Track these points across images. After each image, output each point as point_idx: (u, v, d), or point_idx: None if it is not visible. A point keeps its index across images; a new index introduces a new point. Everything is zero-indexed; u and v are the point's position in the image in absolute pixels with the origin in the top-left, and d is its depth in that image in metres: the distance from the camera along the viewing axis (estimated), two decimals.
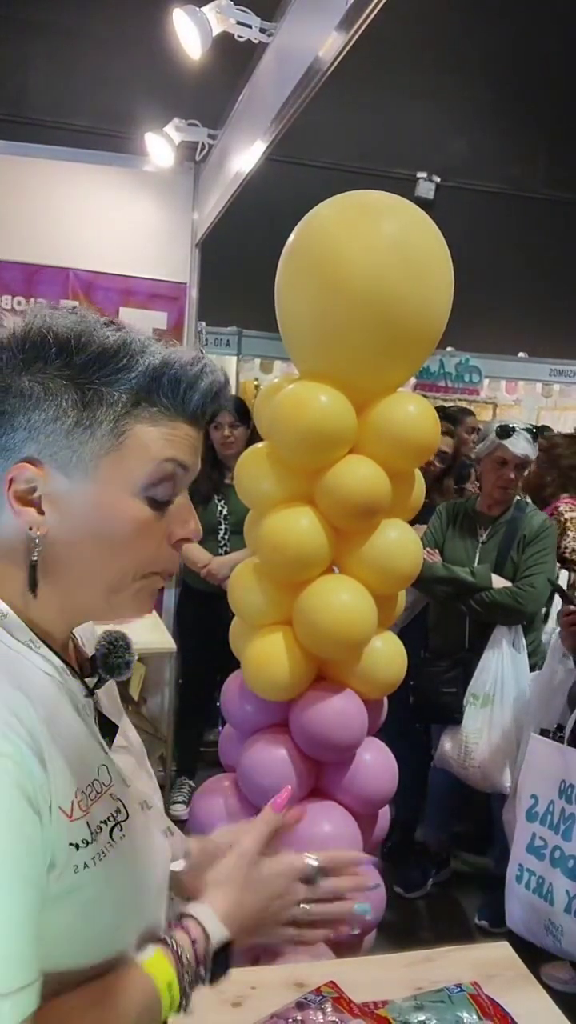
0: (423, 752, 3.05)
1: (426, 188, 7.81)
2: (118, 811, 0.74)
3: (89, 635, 0.88)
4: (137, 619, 0.78)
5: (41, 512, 0.71)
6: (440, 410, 4.57)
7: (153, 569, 0.75)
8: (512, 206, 8.16)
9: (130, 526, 0.72)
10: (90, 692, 0.78)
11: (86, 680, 0.79)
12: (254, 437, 3.00)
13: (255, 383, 7.37)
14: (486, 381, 7.83)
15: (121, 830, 0.74)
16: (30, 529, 0.70)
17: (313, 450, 1.89)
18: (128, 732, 0.88)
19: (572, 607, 2.34)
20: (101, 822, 0.71)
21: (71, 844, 0.67)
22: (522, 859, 2.23)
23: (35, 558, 0.71)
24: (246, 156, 2.94)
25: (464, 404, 6.80)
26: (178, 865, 0.90)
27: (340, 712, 2.02)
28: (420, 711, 2.83)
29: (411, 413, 1.95)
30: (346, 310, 1.83)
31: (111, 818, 0.73)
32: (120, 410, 0.71)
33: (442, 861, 3.11)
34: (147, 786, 0.85)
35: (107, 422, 0.70)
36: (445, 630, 2.86)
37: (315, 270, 1.86)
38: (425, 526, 2.91)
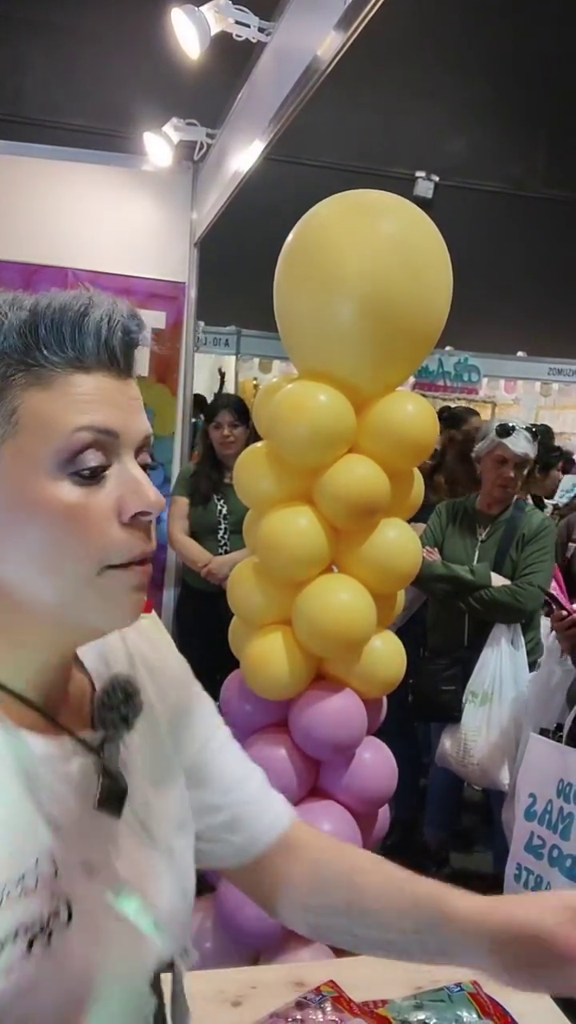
0: (417, 751, 3.06)
1: (425, 187, 7.82)
2: (53, 914, 0.58)
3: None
4: (126, 626, 0.65)
5: None
6: (446, 410, 4.59)
7: (111, 560, 0.60)
8: (511, 205, 8.17)
9: (56, 513, 0.58)
10: (96, 749, 0.66)
11: (82, 736, 0.66)
12: (253, 437, 3.00)
13: (254, 383, 7.37)
14: (485, 380, 7.84)
15: (48, 941, 0.57)
16: None
17: (312, 449, 1.89)
18: (158, 811, 0.72)
19: (563, 611, 2.33)
20: (16, 929, 0.56)
21: None
22: (520, 858, 2.23)
23: None
24: (245, 155, 2.94)
25: (463, 403, 6.81)
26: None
27: (339, 711, 2.02)
28: (419, 709, 2.83)
29: (410, 412, 1.95)
30: (345, 309, 1.83)
31: (36, 924, 0.57)
32: (1, 383, 0.59)
33: (442, 860, 3.11)
34: (154, 883, 0.68)
35: None
36: (444, 628, 2.86)
37: (314, 269, 1.86)
38: (424, 525, 2.92)
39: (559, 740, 2.25)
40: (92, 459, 0.59)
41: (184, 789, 0.77)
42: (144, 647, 0.78)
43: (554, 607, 2.37)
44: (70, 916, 0.59)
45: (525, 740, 2.40)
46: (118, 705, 0.68)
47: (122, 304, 0.62)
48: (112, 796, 0.65)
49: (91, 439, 0.59)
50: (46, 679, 0.65)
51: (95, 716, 0.68)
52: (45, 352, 0.59)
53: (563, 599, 2.34)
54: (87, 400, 0.59)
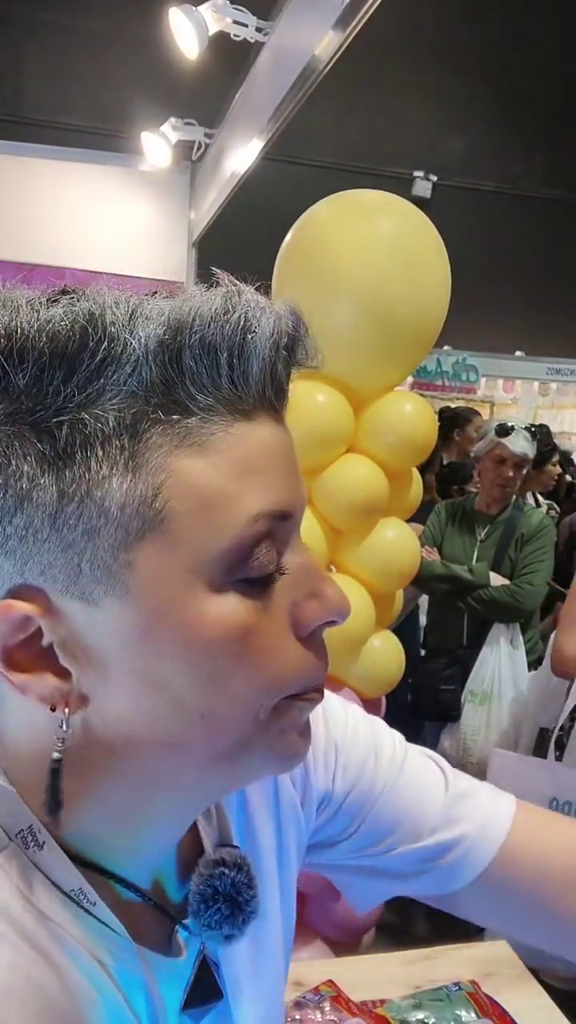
0: None
1: (423, 187, 7.80)
2: None
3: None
4: (290, 770, 0.49)
5: (61, 674, 0.41)
6: (446, 410, 4.59)
7: (286, 691, 0.43)
8: (509, 205, 8.17)
9: (223, 641, 0.41)
10: (197, 933, 0.50)
11: (184, 923, 0.50)
12: None
13: None
14: (483, 380, 7.83)
15: None
16: (51, 709, 0.41)
17: (310, 449, 1.89)
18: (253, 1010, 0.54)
19: None
20: None
21: None
22: None
23: (58, 754, 0.41)
24: (242, 155, 2.94)
25: (462, 403, 6.81)
26: None
27: None
28: (418, 709, 2.84)
29: (408, 412, 1.95)
30: (343, 309, 1.83)
31: None
32: (130, 444, 0.38)
33: None
34: None
35: (117, 476, 0.38)
36: (443, 628, 2.86)
37: (312, 269, 1.86)
38: (422, 525, 2.92)
39: (559, 740, 2.25)
40: (267, 560, 0.41)
41: (284, 968, 0.60)
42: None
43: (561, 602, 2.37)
44: None
45: (525, 737, 2.39)
46: (220, 923, 0.49)
47: (284, 305, 0.42)
48: (201, 998, 0.50)
49: (266, 530, 0.41)
50: (158, 856, 0.49)
51: (190, 912, 0.50)
52: (194, 392, 0.39)
53: None
54: (258, 468, 0.41)
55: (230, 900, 0.49)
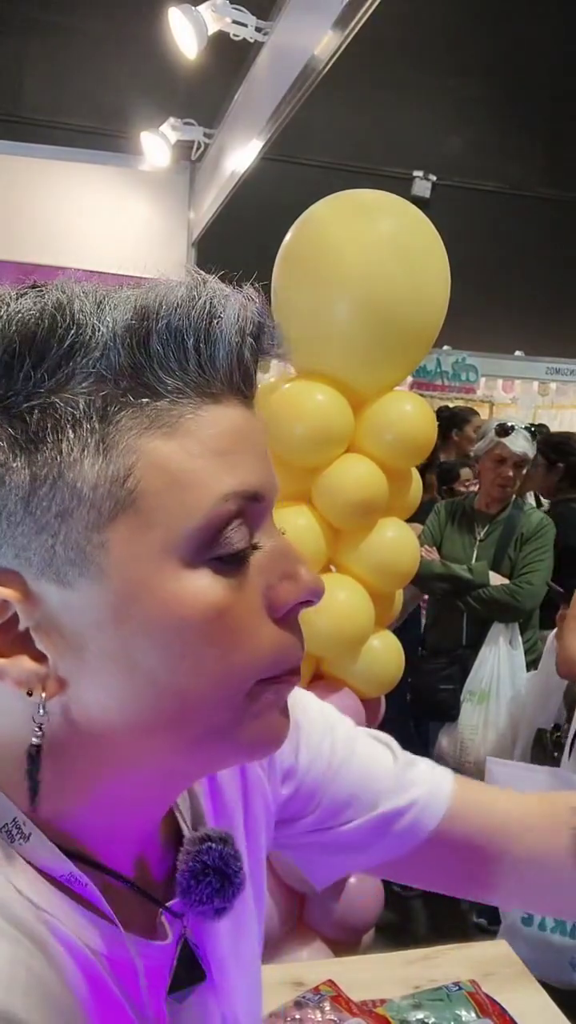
0: (415, 750, 3.05)
1: (422, 187, 7.81)
2: None
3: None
4: (268, 755, 0.52)
5: (38, 658, 0.41)
6: (444, 409, 4.59)
7: (263, 672, 0.44)
8: (509, 204, 8.17)
9: (196, 619, 0.41)
10: (179, 916, 0.51)
11: (168, 905, 0.50)
12: None
13: None
14: (483, 380, 7.83)
15: None
16: (28, 694, 0.41)
17: (310, 449, 1.89)
18: (236, 988, 0.56)
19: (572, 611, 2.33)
20: None
21: None
22: None
23: (37, 740, 0.41)
24: (242, 155, 2.94)
25: (461, 403, 6.82)
26: None
27: (337, 711, 2.02)
28: (417, 708, 2.84)
29: (408, 412, 1.95)
30: (343, 309, 1.83)
31: None
32: (100, 427, 0.39)
33: None
34: None
35: (88, 457, 0.39)
36: (442, 627, 2.87)
37: (311, 269, 1.86)
38: (422, 525, 2.92)
39: (557, 740, 2.25)
40: (238, 538, 0.42)
41: (260, 945, 0.62)
42: None
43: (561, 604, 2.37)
44: None
45: (523, 738, 2.39)
46: (210, 897, 0.50)
47: (249, 294, 0.44)
48: (186, 981, 0.51)
49: (237, 509, 0.42)
50: (138, 845, 0.50)
51: (180, 901, 0.51)
52: (162, 375, 0.40)
53: None
54: (228, 449, 0.42)
55: (219, 873, 0.50)
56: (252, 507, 0.43)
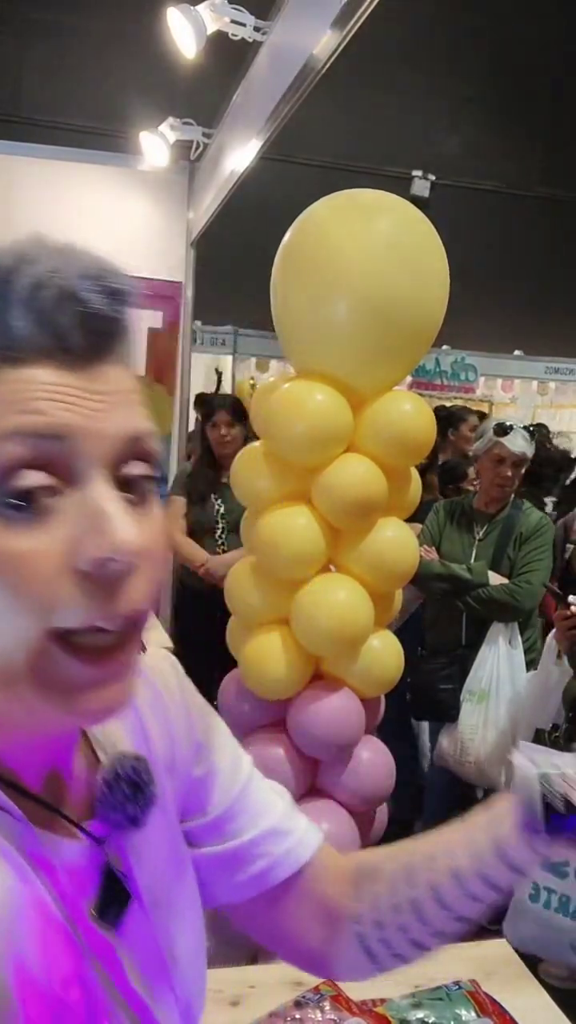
0: (415, 749, 3.06)
1: (421, 186, 7.79)
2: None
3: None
4: (95, 723, 0.53)
5: None
6: (441, 409, 4.60)
7: (57, 622, 0.43)
8: (508, 204, 8.18)
9: None
10: (100, 841, 0.54)
11: (86, 828, 0.53)
12: (251, 437, 3.00)
13: (251, 382, 7.37)
14: (482, 379, 7.85)
15: None
16: None
17: (309, 448, 1.89)
18: (169, 910, 0.59)
19: (569, 611, 2.33)
20: None
21: None
22: (538, 878, 2.18)
23: None
24: (241, 155, 2.94)
25: (460, 402, 6.82)
26: None
27: (337, 711, 2.02)
28: (417, 708, 2.84)
29: (407, 411, 1.95)
30: (342, 308, 1.83)
31: None
32: None
33: None
34: (160, 991, 0.56)
35: None
36: (442, 627, 2.86)
37: (311, 269, 1.86)
38: (421, 525, 2.92)
39: (556, 741, 2.25)
40: (32, 480, 0.42)
41: (194, 881, 0.65)
42: (157, 697, 0.65)
43: (558, 605, 2.37)
44: None
45: (521, 739, 2.39)
46: (123, 803, 0.54)
47: (82, 260, 0.45)
48: (112, 903, 0.53)
49: (26, 452, 0.42)
50: (44, 760, 0.53)
51: (97, 811, 0.55)
52: None
53: None
54: (23, 399, 0.42)
55: (131, 783, 0.54)
56: (55, 450, 0.43)
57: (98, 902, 0.52)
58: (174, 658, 0.69)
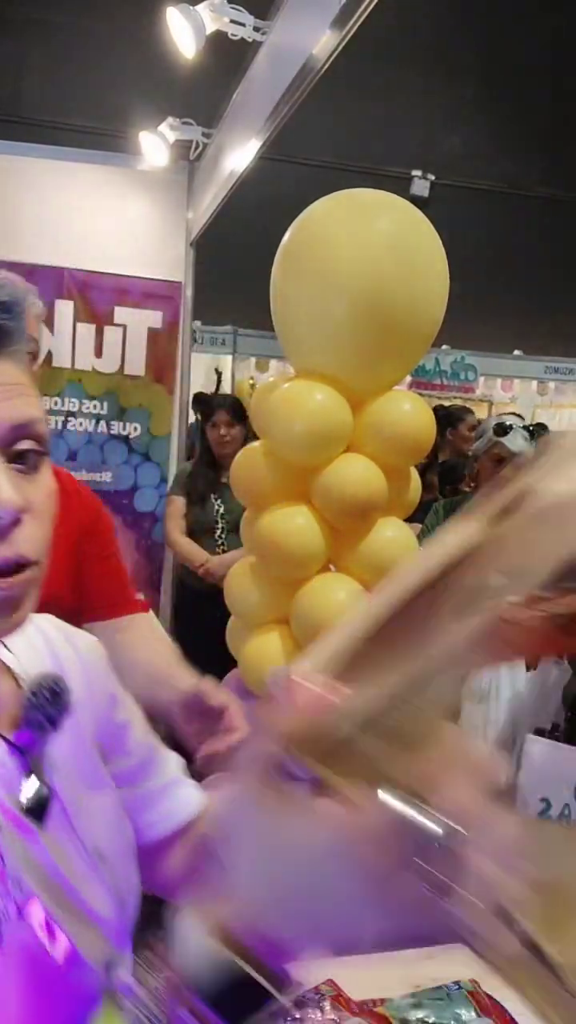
0: None
1: (421, 186, 7.80)
2: None
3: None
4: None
5: None
6: (439, 408, 4.59)
7: None
8: (507, 203, 8.17)
9: None
10: (22, 750, 0.63)
11: (8, 738, 0.63)
12: (251, 436, 3.00)
13: (251, 382, 7.36)
14: (482, 379, 7.84)
15: None
16: None
17: (309, 448, 1.89)
18: (89, 814, 0.66)
19: None
20: None
21: None
22: None
23: None
24: (240, 154, 2.94)
25: (460, 402, 6.82)
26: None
27: None
28: None
29: (407, 411, 1.95)
30: (342, 308, 1.83)
31: None
32: None
33: None
34: (86, 890, 0.61)
35: None
36: None
37: (311, 268, 1.86)
38: (421, 525, 2.92)
39: (556, 740, 2.25)
40: None
41: (117, 793, 0.72)
42: (68, 641, 0.75)
43: None
44: None
45: (522, 740, 2.39)
46: (43, 705, 0.64)
47: None
48: (37, 802, 0.61)
49: None
50: None
51: (22, 717, 0.64)
52: None
53: None
54: None
55: (52, 691, 0.64)
56: None
57: (25, 795, 0.60)
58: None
